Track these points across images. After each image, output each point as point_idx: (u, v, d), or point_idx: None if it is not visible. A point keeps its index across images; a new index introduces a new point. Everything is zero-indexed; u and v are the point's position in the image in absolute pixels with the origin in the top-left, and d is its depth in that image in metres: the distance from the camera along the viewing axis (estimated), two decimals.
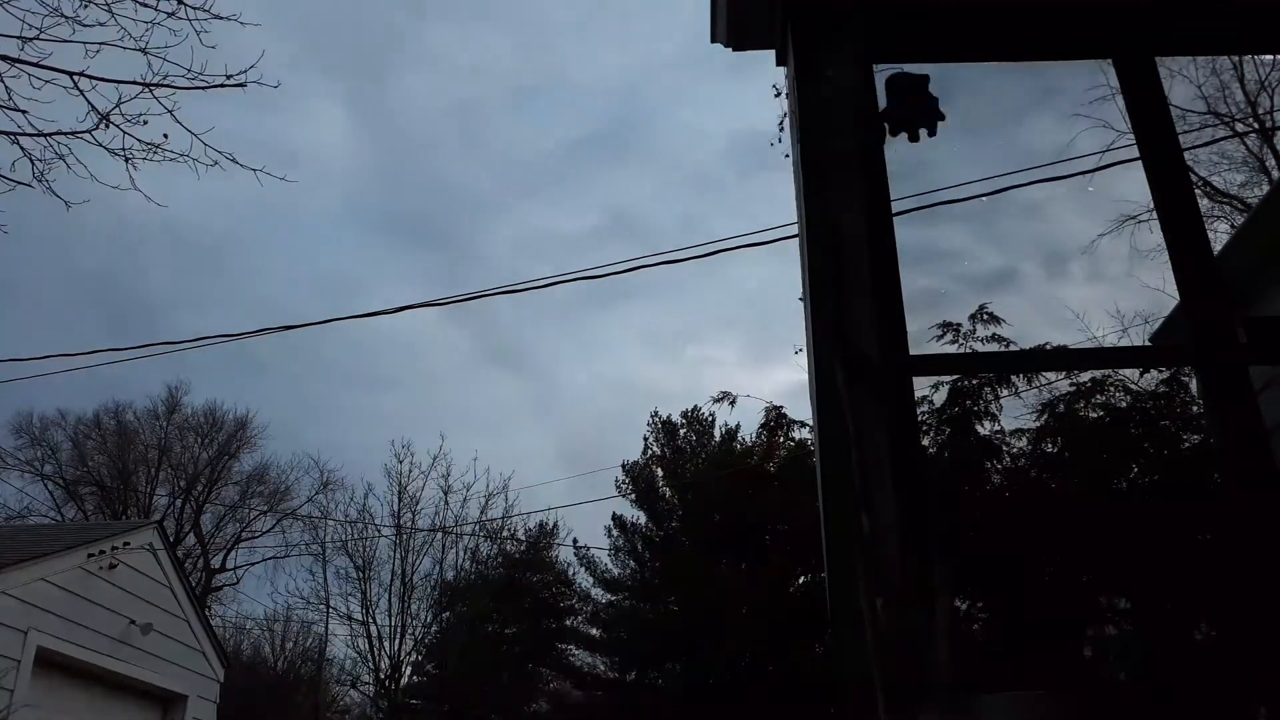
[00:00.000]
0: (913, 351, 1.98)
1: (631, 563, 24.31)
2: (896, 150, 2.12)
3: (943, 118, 2.10)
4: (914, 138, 2.10)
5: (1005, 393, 7.20)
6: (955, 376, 7.16)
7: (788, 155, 2.13)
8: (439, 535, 26.67)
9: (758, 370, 39.07)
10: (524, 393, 42.30)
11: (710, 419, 24.41)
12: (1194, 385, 5.83)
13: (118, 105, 5.82)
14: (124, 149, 5.92)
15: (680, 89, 37.38)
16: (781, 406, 16.41)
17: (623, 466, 24.72)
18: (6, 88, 5.62)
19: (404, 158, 36.89)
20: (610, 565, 24.70)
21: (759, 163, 40.57)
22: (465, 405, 40.50)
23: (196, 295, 40.11)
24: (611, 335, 41.21)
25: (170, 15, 5.71)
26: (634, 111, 38.97)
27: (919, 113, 2.10)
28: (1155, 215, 2.13)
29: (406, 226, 41.11)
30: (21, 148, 5.80)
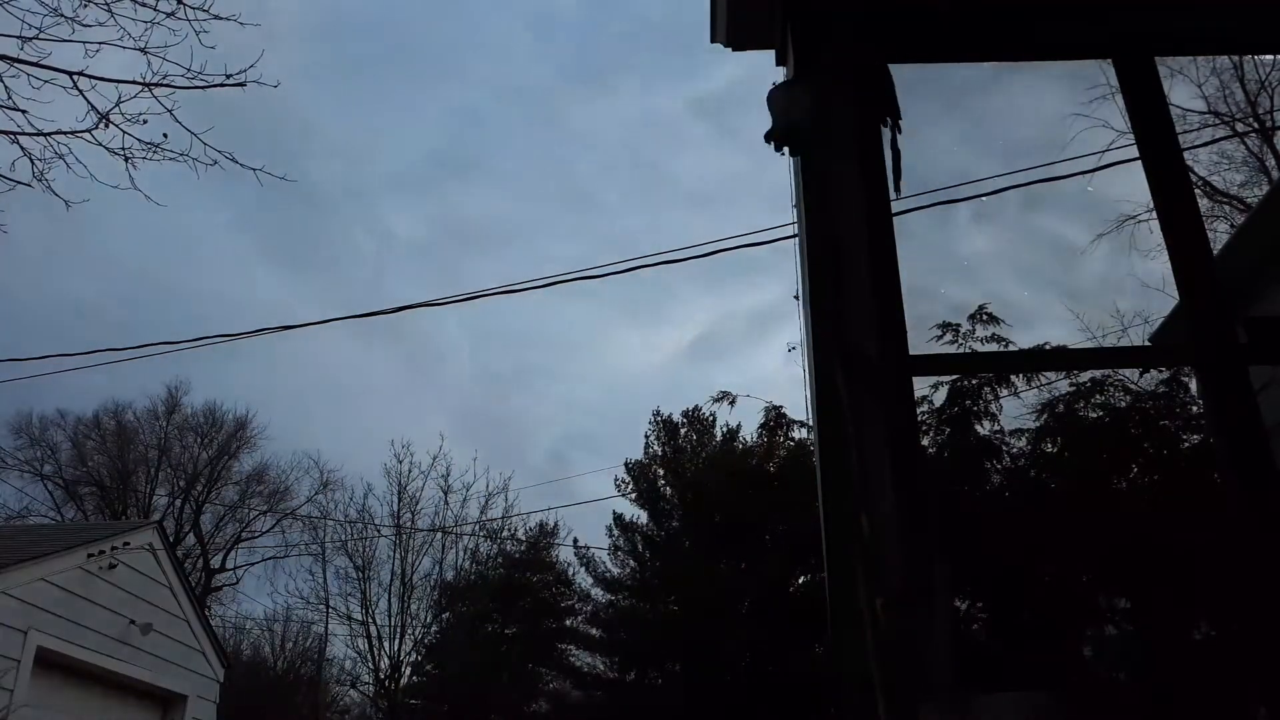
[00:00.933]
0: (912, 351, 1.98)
1: (631, 562, 24.30)
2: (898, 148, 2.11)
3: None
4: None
5: (1005, 393, 7.20)
6: (955, 376, 7.15)
7: (785, 154, 2.12)
8: (439, 535, 26.69)
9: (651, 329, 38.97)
10: (397, 358, 41.27)
11: (711, 419, 24.43)
12: (1194, 385, 5.83)
13: (117, 105, 5.83)
14: (124, 149, 5.93)
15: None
16: (781, 407, 16.44)
17: (625, 465, 24.76)
18: (6, 88, 5.63)
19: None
20: (610, 565, 24.70)
21: (587, 78, 39.89)
22: (337, 374, 39.73)
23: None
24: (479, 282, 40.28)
25: (170, 15, 5.72)
26: (435, 29, 35.06)
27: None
28: (1155, 215, 2.13)
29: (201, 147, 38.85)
30: (21, 147, 5.81)
